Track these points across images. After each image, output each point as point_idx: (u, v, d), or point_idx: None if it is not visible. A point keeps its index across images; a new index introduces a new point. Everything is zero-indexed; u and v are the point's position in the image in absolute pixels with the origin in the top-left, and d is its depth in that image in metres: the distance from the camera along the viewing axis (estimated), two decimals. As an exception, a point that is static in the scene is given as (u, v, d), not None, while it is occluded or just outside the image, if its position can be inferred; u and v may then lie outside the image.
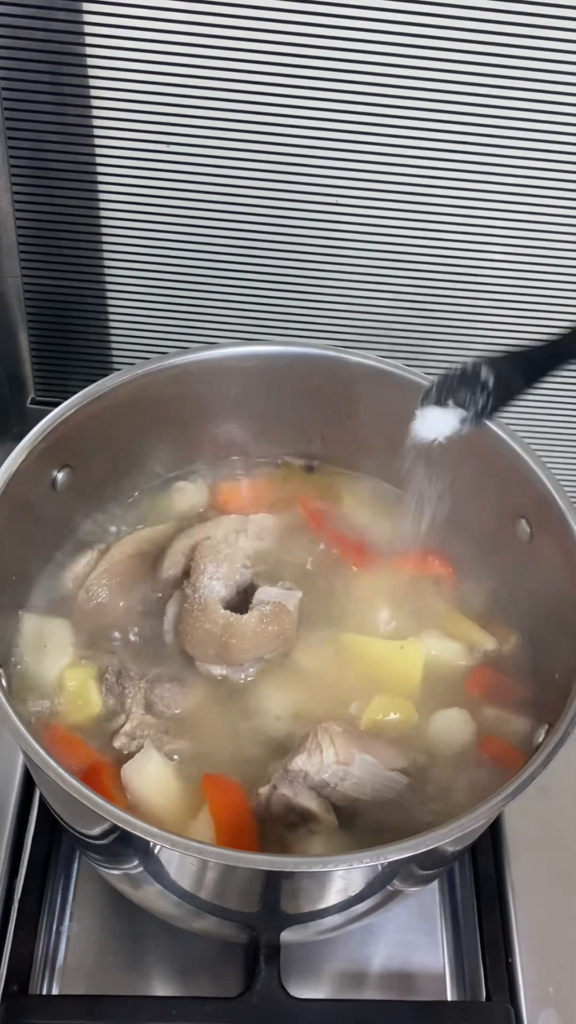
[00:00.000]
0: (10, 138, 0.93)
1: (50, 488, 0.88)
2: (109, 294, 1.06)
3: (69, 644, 0.87)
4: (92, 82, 0.89)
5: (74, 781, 0.65)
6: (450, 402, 0.74)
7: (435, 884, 0.97)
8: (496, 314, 1.05)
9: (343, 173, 0.94)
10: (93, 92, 0.89)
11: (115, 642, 0.88)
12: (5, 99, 0.90)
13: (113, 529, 0.96)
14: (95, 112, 0.91)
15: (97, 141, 0.93)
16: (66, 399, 0.85)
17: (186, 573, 0.91)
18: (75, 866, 0.95)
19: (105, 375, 0.87)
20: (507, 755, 0.83)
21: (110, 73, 0.88)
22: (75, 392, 0.86)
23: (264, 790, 0.78)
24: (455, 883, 0.97)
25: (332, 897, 0.75)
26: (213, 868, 0.69)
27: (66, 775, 0.65)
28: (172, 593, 0.91)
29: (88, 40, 0.86)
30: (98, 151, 0.94)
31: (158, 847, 0.68)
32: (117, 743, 0.81)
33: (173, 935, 0.91)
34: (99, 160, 0.94)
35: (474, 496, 0.94)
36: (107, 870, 0.83)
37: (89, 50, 0.87)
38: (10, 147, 0.93)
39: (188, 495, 1.00)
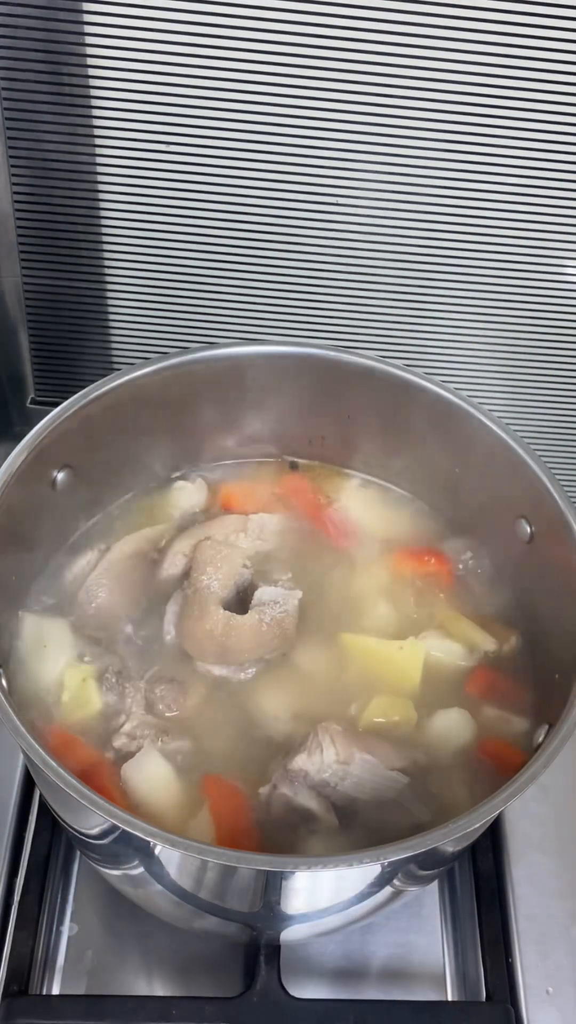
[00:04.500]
0: (10, 138, 0.93)
1: (50, 488, 0.87)
2: (109, 294, 1.06)
3: (69, 644, 0.87)
4: (92, 82, 0.89)
5: (74, 781, 0.65)
6: None
7: (435, 884, 0.97)
8: (496, 314, 1.05)
9: (343, 173, 0.94)
10: (93, 92, 0.89)
11: (115, 642, 0.88)
12: (5, 99, 0.90)
13: (113, 529, 0.96)
14: (95, 112, 0.91)
15: (97, 141, 0.93)
16: (66, 399, 0.85)
17: (186, 573, 0.91)
18: (75, 866, 0.95)
19: (105, 375, 0.87)
20: (507, 755, 0.83)
21: (110, 73, 0.88)
22: (75, 392, 0.86)
23: (264, 790, 0.78)
24: (455, 883, 0.97)
25: (332, 897, 0.75)
26: (213, 868, 0.69)
27: (66, 775, 0.65)
28: (172, 593, 0.91)
29: (88, 40, 0.86)
30: (98, 151, 0.94)
31: (158, 847, 0.68)
32: (117, 743, 0.81)
33: (173, 935, 0.91)
34: (99, 160, 0.94)
35: (474, 496, 0.94)
36: (107, 870, 0.83)
37: (89, 50, 0.87)
38: (10, 147, 0.93)
39: (188, 495, 1.00)
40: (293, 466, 1.03)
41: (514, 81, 0.87)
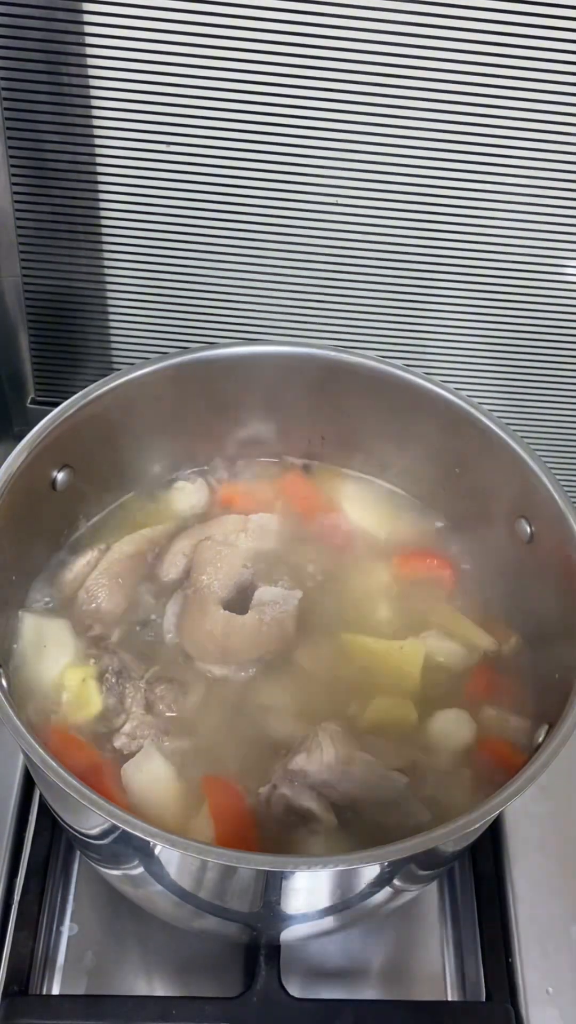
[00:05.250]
0: (10, 138, 0.93)
1: (50, 488, 0.87)
2: (109, 294, 1.06)
3: (69, 644, 0.87)
4: (92, 82, 0.89)
5: (74, 781, 0.65)
6: None
7: (435, 884, 0.97)
8: (497, 314, 1.05)
9: (343, 173, 0.94)
10: (93, 92, 0.89)
11: (115, 642, 0.88)
12: (5, 99, 0.90)
13: (113, 529, 0.96)
14: (95, 112, 0.91)
15: (97, 141, 0.93)
16: (66, 399, 0.85)
17: (186, 573, 0.91)
18: (75, 866, 0.95)
19: (105, 375, 0.87)
20: (507, 755, 0.83)
21: (110, 73, 0.88)
22: (75, 392, 0.86)
23: (264, 790, 0.78)
24: (455, 883, 0.97)
25: (332, 897, 0.75)
26: (213, 868, 0.69)
27: (66, 775, 0.65)
28: (172, 593, 0.91)
29: (88, 40, 0.86)
30: (98, 151, 0.94)
31: (158, 847, 0.68)
32: (117, 743, 0.82)
33: (173, 935, 0.91)
34: (99, 160, 0.94)
35: (474, 496, 0.94)
36: (107, 870, 0.83)
37: (89, 50, 0.87)
38: (10, 147, 0.93)
39: (188, 495, 1.00)
40: (306, 468, 1.03)
41: (514, 81, 0.87)
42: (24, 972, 0.86)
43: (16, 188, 0.97)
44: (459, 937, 0.95)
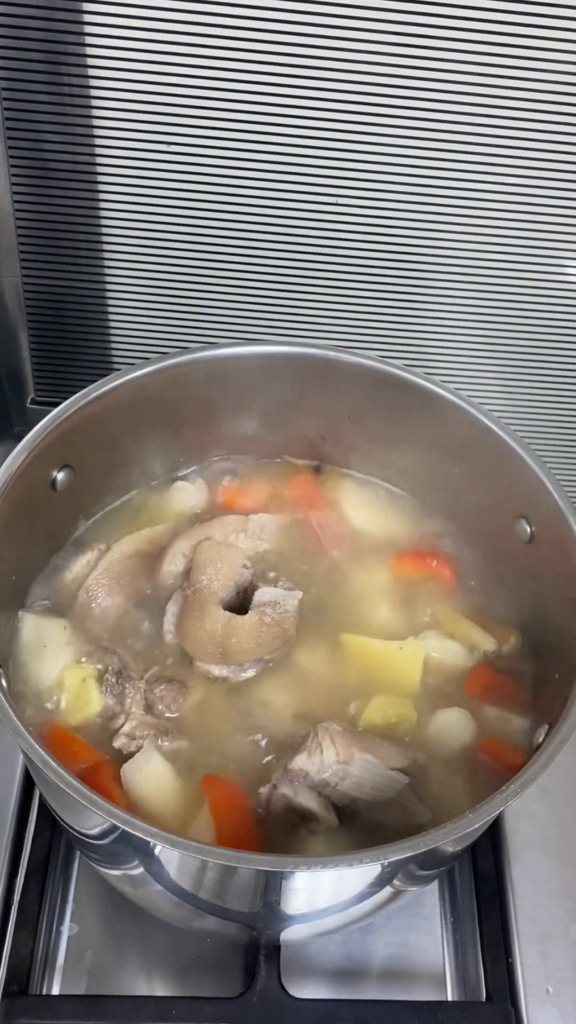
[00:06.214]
0: (10, 138, 0.93)
1: (50, 488, 0.88)
2: (109, 294, 1.06)
3: (69, 644, 0.87)
4: (92, 82, 0.89)
5: (74, 781, 0.65)
6: None
7: (435, 884, 0.97)
8: (496, 314, 1.05)
9: (343, 173, 0.94)
10: (93, 92, 0.89)
11: (115, 642, 0.88)
12: (5, 99, 0.90)
13: (113, 529, 0.96)
14: (95, 112, 0.91)
15: (97, 141, 0.93)
16: (66, 399, 0.85)
17: (186, 573, 0.91)
18: (75, 866, 0.95)
19: (105, 375, 0.87)
20: (507, 755, 0.83)
21: (110, 73, 0.88)
22: (75, 392, 0.86)
23: (264, 790, 0.78)
24: (455, 883, 0.97)
25: (332, 897, 0.75)
26: (213, 868, 0.69)
27: (66, 775, 0.65)
28: (172, 593, 0.91)
29: (88, 40, 0.86)
30: (98, 151, 0.94)
31: (158, 847, 0.68)
32: (117, 743, 0.81)
33: (173, 935, 0.91)
34: (99, 160, 0.94)
35: (474, 496, 0.94)
36: (107, 870, 0.83)
37: (89, 50, 0.87)
38: (10, 147, 0.93)
39: (188, 495, 1.00)
40: (318, 469, 1.03)
41: (514, 81, 0.87)
42: (24, 972, 0.86)
43: (16, 188, 0.97)
44: (459, 937, 0.95)
